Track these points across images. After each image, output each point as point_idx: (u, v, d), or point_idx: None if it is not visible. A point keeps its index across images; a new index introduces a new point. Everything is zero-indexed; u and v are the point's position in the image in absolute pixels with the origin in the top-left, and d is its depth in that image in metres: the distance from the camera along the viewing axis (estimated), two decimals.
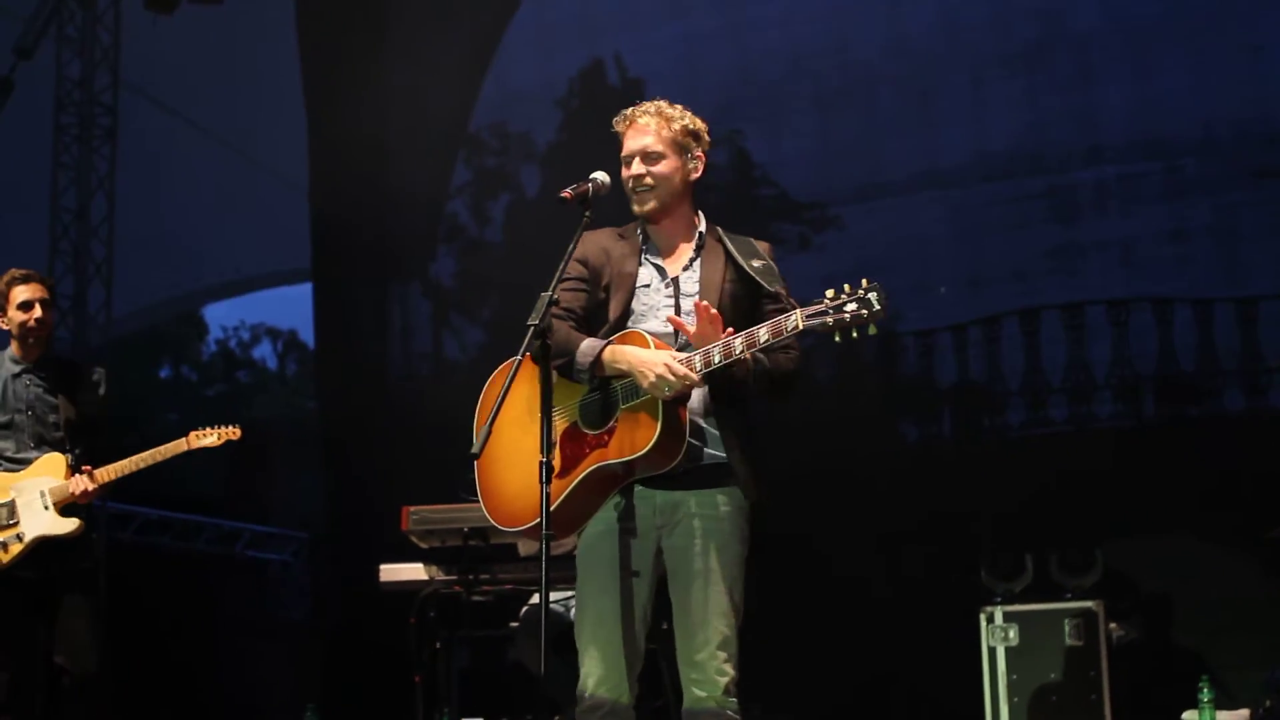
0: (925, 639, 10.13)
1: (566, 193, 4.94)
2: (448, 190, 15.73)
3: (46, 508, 6.91)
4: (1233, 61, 12.40)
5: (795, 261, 13.66)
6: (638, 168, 5.05)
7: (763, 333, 4.66)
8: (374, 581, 8.31)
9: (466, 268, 15.68)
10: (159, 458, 6.98)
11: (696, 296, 4.91)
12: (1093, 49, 12.96)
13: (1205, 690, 8.37)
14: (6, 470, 7.03)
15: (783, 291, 4.83)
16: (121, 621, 10.94)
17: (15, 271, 7.21)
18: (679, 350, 4.83)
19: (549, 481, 4.58)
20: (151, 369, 24.72)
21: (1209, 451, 10.85)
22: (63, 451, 7.05)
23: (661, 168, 5.06)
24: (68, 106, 15.17)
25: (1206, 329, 12.12)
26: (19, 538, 6.90)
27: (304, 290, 17.16)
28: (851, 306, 4.55)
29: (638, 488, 4.89)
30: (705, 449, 4.88)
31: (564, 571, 5.54)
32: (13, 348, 7.20)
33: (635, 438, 4.76)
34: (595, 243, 5.09)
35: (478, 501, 5.11)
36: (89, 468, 6.94)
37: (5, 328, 7.18)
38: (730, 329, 4.73)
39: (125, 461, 6.96)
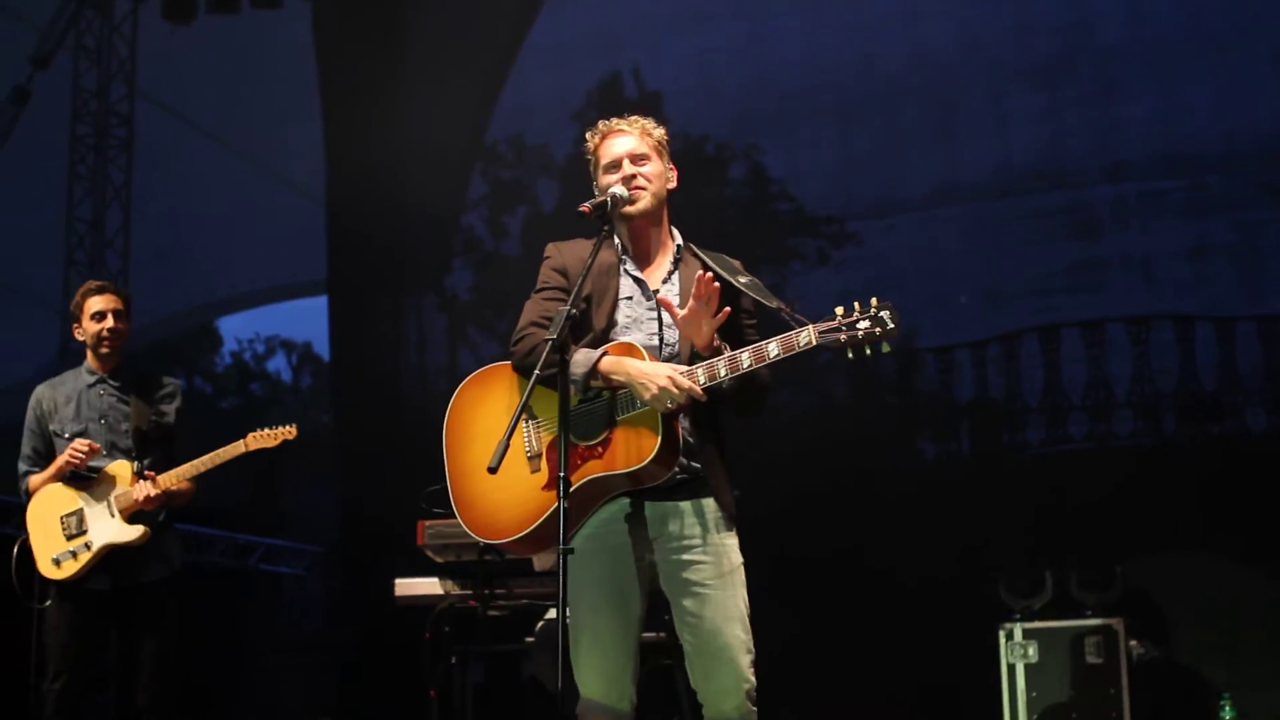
0: (944, 656, 10.08)
1: (585, 206, 4.89)
2: (464, 203, 15.72)
3: (113, 516, 7.00)
4: (1257, 77, 12.35)
5: (813, 276, 13.64)
6: (629, 167, 5.02)
7: (773, 348, 4.65)
8: (389, 596, 8.28)
9: (483, 281, 15.66)
10: (218, 460, 7.02)
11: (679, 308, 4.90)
12: (1115, 63, 12.91)
13: (1227, 709, 8.32)
14: (80, 479, 7.11)
15: (784, 308, 4.77)
16: None
17: (91, 283, 7.49)
18: (664, 362, 4.81)
19: (566, 496, 4.54)
20: None
21: (1230, 470, 10.78)
22: (131, 460, 7.10)
23: (650, 169, 5.04)
24: (84, 117, 15.21)
25: (1228, 347, 12.06)
26: (87, 546, 7.00)
27: (319, 303, 17.17)
28: (864, 324, 4.55)
29: (624, 499, 4.87)
30: (691, 462, 4.87)
31: None
32: (88, 358, 7.33)
33: (638, 449, 4.73)
34: (573, 253, 5.06)
35: (448, 514, 5.09)
36: (152, 473, 7.00)
37: (81, 338, 7.33)
38: (726, 309, 4.72)
39: (186, 466, 7.02)
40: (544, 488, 4.81)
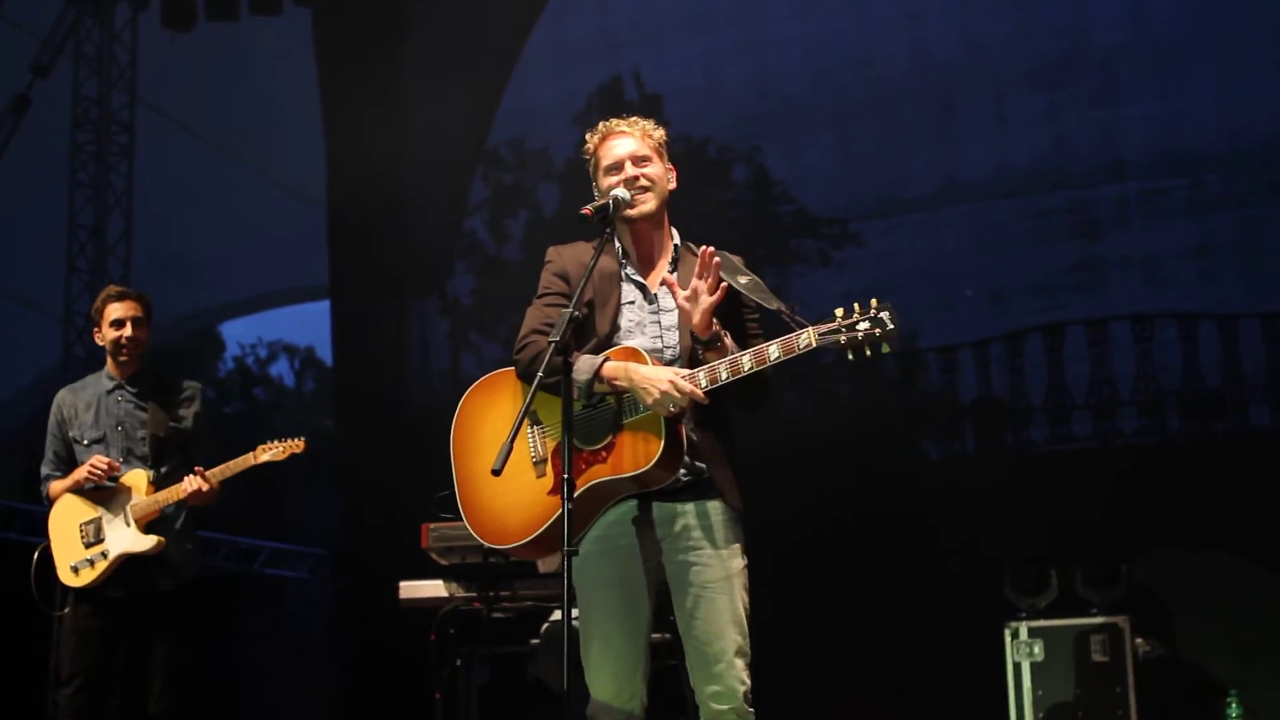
0: (950, 655, 10.07)
1: (587, 210, 4.90)
2: (466, 207, 15.72)
3: (129, 525, 7.02)
4: (1258, 76, 12.34)
5: (816, 278, 13.64)
6: (631, 169, 5.02)
7: (773, 350, 4.67)
8: (394, 598, 8.28)
9: (485, 284, 15.65)
10: (228, 473, 7.04)
11: (675, 312, 4.91)
12: (1117, 63, 12.89)
13: (1233, 707, 8.32)
14: (99, 487, 7.12)
15: (785, 309, 4.77)
16: None
17: (112, 288, 7.50)
18: (665, 366, 4.83)
19: (571, 499, 4.56)
20: None
21: (1235, 467, 10.76)
22: (147, 468, 7.10)
23: (652, 170, 5.05)
24: (85, 124, 15.21)
25: (1231, 344, 12.05)
26: (104, 554, 7.03)
27: (322, 307, 17.14)
28: (864, 325, 4.57)
29: (630, 502, 4.88)
30: (696, 461, 4.88)
31: None
32: (108, 364, 7.34)
33: (642, 452, 4.75)
34: (574, 257, 5.07)
35: (456, 519, 5.09)
36: (200, 468, 6.99)
37: (100, 344, 7.35)
38: (724, 285, 4.74)
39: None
40: (550, 492, 4.83)
